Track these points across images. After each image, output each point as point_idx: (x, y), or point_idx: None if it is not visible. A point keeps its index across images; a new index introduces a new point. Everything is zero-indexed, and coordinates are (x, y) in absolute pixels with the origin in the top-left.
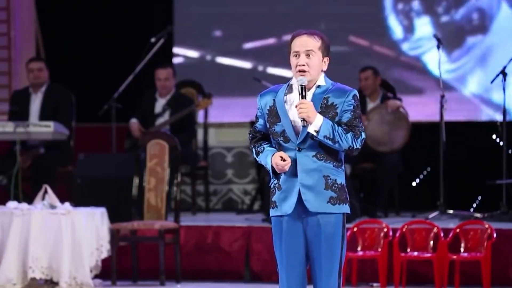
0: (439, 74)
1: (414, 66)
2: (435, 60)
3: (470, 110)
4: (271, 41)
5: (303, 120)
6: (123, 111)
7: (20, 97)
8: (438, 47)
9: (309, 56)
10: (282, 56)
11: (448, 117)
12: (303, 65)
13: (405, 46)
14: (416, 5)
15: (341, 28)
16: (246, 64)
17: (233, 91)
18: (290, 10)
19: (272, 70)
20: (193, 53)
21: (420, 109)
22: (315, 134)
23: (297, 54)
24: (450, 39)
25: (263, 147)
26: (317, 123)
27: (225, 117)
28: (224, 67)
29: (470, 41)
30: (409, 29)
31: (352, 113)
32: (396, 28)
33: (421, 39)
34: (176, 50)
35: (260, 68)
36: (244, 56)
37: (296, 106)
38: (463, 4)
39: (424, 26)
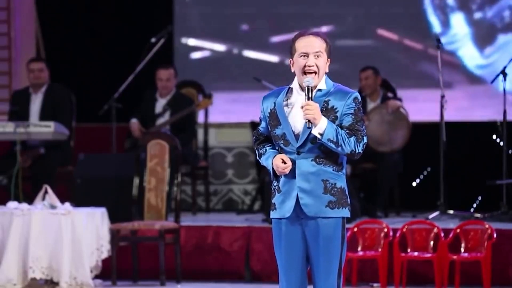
0: (440, 74)
1: (442, 60)
2: (470, 55)
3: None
4: None
5: (308, 121)
6: (124, 111)
7: (20, 97)
8: (438, 47)
9: (318, 57)
10: None
11: (479, 112)
12: (313, 65)
13: (442, 40)
14: (451, 1)
15: (368, 21)
16: (273, 58)
17: (259, 85)
18: (317, 4)
19: None
20: (219, 47)
21: (448, 104)
22: (319, 136)
23: (306, 55)
24: (483, 36)
25: (266, 149)
26: (322, 126)
27: (231, 116)
28: (251, 60)
29: (502, 38)
30: (445, 24)
31: (353, 117)
32: (434, 22)
33: (456, 34)
34: (201, 43)
35: (287, 62)
36: (271, 49)
37: (301, 107)
38: (496, 2)
39: (458, 22)
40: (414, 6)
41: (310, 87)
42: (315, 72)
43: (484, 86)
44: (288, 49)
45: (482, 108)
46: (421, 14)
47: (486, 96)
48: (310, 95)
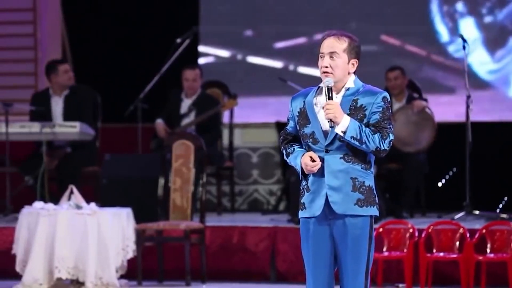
0: (466, 75)
1: (446, 65)
2: (480, 61)
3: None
4: (302, 40)
5: (330, 121)
6: (149, 111)
7: (40, 99)
8: (463, 47)
9: (332, 57)
10: (313, 55)
11: (487, 117)
12: (326, 66)
13: (451, 48)
14: (460, 6)
15: (372, 27)
16: (277, 64)
17: (263, 91)
18: (321, 9)
19: (303, 70)
20: (223, 53)
21: (450, 108)
22: (342, 134)
23: (322, 56)
24: (494, 39)
25: (293, 148)
26: (344, 124)
27: (256, 116)
28: (255, 66)
29: None
30: (454, 31)
31: (380, 115)
32: (442, 31)
33: (466, 40)
34: (205, 49)
35: (291, 67)
36: (275, 55)
37: (323, 108)
38: (507, 4)
39: (468, 27)
40: (421, 15)
41: (329, 87)
42: (328, 73)
43: (487, 91)
44: (292, 54)
45: (486, 112)
46: (428, 21)
47: (490, 100)
48: (330, 95)
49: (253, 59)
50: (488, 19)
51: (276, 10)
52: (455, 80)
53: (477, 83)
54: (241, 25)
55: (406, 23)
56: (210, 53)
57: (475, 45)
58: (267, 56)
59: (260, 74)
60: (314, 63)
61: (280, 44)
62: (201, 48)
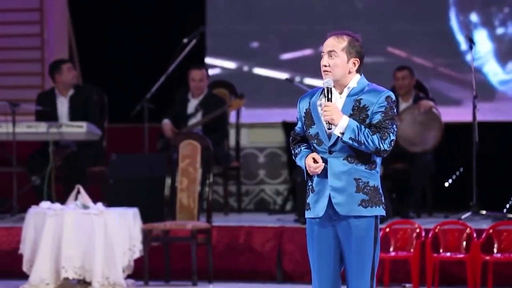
0: (473, 76)
1: (452, 77)
2: (493, 72)
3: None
4: (308, 52)
5: (328, 123)
6: (156, 111)
7: (46, 99)
8: (470, 47)
9: (331, 56)
10: (319, 67)
11: (494, 117)
12: (325, 65)
13: (468, 57)
14: (474, 17)
15: (379, 39)
16: (283, 75)
17: (269, 102)
18: (327, 21)
19: (309, 81)
20: (230, 64)
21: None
22: (340, 136)
23: (323, 55)
24: (506, 50)
25: (300, 149)
26: (342, 125)
27: (262, 116)
28: (261, 78)
29: None
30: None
31: (383, 115)
32: (461, 40)
33: (479, 51)
34: (211, 61)
35: (297, 79)
36: (281, 67)
37: (321, 109)
38: None
39: (482, 38)
40: (437, 25)
41: (329, 88)
42: (328, 71)
43: (490, 104)
44: (298, 66)
45: (493, 112)
46: (444, 32)
47: (494, 112)
48: (329, 96)
49: (259, 71)
50: (500, 30)
51: (282, 22)
52: (461, 92)
53: (486, 94)
54: (247, 36)
55: (412, 32)
56: (216, 64)
57: (488, 56)
58: (273, 67)
59: (266, 86)
60: (320, 75)
61: (286, 56)
62: (208, 60)
